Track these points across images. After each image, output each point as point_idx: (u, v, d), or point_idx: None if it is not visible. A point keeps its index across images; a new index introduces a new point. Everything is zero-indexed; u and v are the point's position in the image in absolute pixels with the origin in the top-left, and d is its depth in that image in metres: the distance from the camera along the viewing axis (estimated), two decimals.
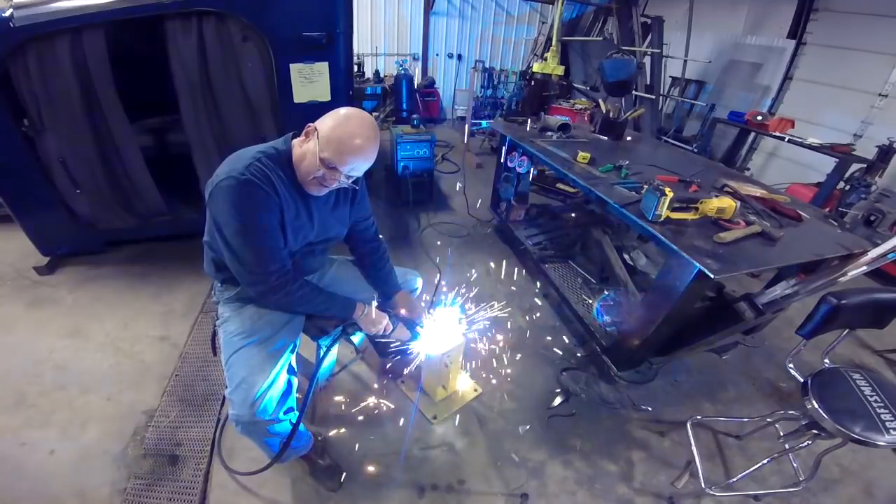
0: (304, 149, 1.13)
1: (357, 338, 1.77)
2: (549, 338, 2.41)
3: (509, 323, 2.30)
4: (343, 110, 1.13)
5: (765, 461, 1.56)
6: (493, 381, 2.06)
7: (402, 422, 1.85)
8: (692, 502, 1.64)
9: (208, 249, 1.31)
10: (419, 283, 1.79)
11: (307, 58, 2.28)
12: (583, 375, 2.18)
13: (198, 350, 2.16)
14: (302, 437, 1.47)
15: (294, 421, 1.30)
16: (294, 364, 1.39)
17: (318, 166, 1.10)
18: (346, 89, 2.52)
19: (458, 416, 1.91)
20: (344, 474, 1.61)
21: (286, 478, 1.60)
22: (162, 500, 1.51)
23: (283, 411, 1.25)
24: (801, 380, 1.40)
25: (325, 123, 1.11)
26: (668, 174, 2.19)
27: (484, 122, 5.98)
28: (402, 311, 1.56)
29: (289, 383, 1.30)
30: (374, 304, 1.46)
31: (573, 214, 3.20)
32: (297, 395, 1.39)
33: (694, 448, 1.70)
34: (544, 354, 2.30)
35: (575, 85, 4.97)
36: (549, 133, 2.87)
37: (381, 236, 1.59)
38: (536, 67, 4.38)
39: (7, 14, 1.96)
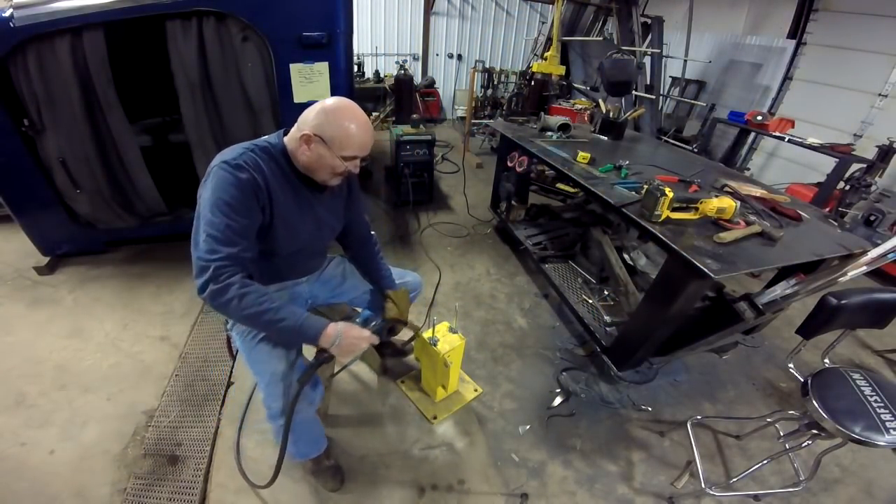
0: (314, 154, 1.15)
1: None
2: (549, 338, 2.42)
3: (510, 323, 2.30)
4: (329, 106, 1.14)
5: (765, 461, 1.55)
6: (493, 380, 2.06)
7: (402, 422, 1.86)
8: (692, 502, 1.64)
9: None
10: (419, 284, 1.79)
11: (307, 58, 2.28)
12: (583, 375, 2.18)
13: (198, 350, 2.16)
14: (320, 439, 1.52)
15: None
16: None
17: (342, 164, 1.16)
18: (347, 89, 2.51)
19: (458, 416, 1.91)
20: (344, 475, 1.61)
21: (286, 478, 1.59)
22: (162, 500, 1.51)
23: (308, 401, 1.28)
24: (801, 380, 1.40)
25: (329, 126, 1.12)
26: (668, 174, 2.19)
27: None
28: (394, 311, 1.50)
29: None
30: (357, 320, 1.35)
31: (573, 214, 3.20)
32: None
33: (694, 448, 1.70)
34: (544, 354, 2.30)
35: (575, 85, 4.97)
36: (549, 133, 2.87)
37: (373, 233, 1.60)
38: (536, 67, 4.39)
39: (7, 14, 1.96)
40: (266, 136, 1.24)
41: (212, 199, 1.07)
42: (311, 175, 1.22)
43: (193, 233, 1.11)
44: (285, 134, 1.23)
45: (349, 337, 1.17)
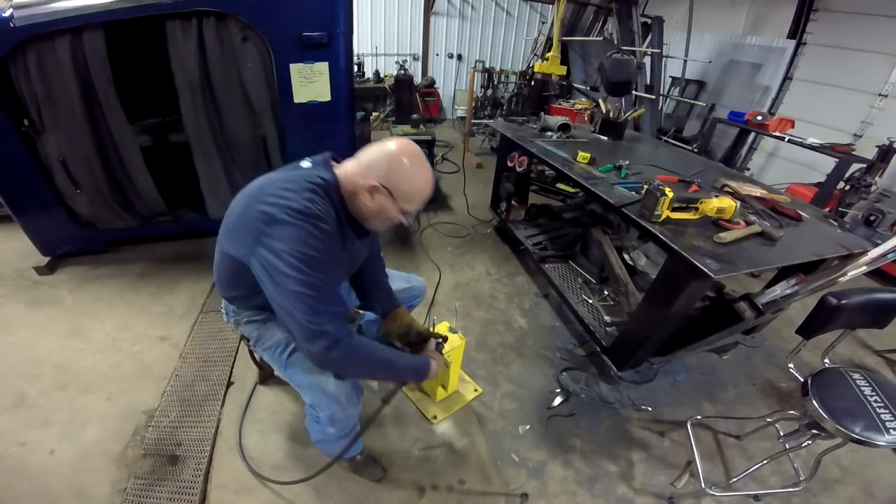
0: (377, 205, 1.10)
1: None
2: (549, 338, 2.42)
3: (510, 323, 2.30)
4: (398, 155, 1.08)
5: (765, 461, 1.56)
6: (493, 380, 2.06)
7: (402, 422, 1.86)
8: (692, 502, 1.64)
9: (231, 283, 1.25)
10: (424, 288, 1.77)
11: (307, 58, 2.28)
12: (583, 375, 2.18)
13: (198, 350, 2.16)
14: (359, 438, 1.55)
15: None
16: None
17: (400, 217, 1.14)
18: (347, 89, 2.51)
19: (458, 416, 1.91)
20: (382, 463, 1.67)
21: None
22: (162, 500, 1.51)
23: (356, 399, 1.31)
24: (801, 380, 1.40)
25: (399, 179, 1.07)
26: (668, 174, 2.19)
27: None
28: (420, 325, 1.50)
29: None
30: (432, 344, 1.40)
31: (573, 214, 3.20)
32: None
33: (694, 448, 1.70)
34: (544, 354, 2.30)
35: (575, 85, 4.97)
36: (549, 133, 2.87)
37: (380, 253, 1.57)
38: (538, 67, 4.38)
39: (7, 14, 1.96)
40: (312, 168, 1.11)
41: (297, 255, 0.96)
42: (362, 221, 1.16)
43: (264, 281, 1.00)
44: (333, 161, 1.15)
45: (440, 367, 1.37)
